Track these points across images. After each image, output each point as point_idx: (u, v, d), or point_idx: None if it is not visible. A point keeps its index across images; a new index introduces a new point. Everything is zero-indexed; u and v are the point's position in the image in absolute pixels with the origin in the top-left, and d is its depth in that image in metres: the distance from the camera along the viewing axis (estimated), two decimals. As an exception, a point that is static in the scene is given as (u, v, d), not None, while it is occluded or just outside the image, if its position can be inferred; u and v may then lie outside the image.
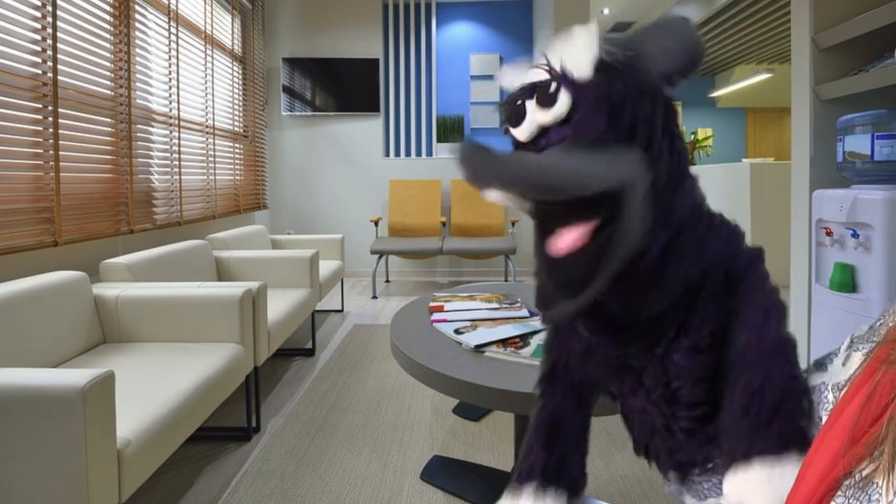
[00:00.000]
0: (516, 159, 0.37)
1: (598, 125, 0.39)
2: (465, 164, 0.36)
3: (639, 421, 0.46)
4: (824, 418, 0.35)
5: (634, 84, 0.39)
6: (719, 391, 0.41)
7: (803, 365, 0.39)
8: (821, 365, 0.39)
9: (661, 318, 0.41)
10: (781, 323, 0.39)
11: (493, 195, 0.38)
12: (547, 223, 0.40)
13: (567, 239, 0.38)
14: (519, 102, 0.42)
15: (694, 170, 0.43)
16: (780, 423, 0.36)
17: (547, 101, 0.40)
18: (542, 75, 0.41)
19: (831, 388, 0.35)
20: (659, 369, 0.42)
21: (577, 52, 0.39)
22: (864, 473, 0.26)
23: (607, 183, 0.36)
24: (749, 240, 0.44)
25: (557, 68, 0.40)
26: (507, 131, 0.44)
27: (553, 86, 0.40)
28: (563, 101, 0.39)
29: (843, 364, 0.35)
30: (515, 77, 0.43)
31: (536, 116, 0.40)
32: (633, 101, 0.39)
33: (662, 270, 0.39)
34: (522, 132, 0.42)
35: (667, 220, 0.39)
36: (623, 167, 0.38)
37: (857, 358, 0.34)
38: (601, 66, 0.39)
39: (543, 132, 0.41)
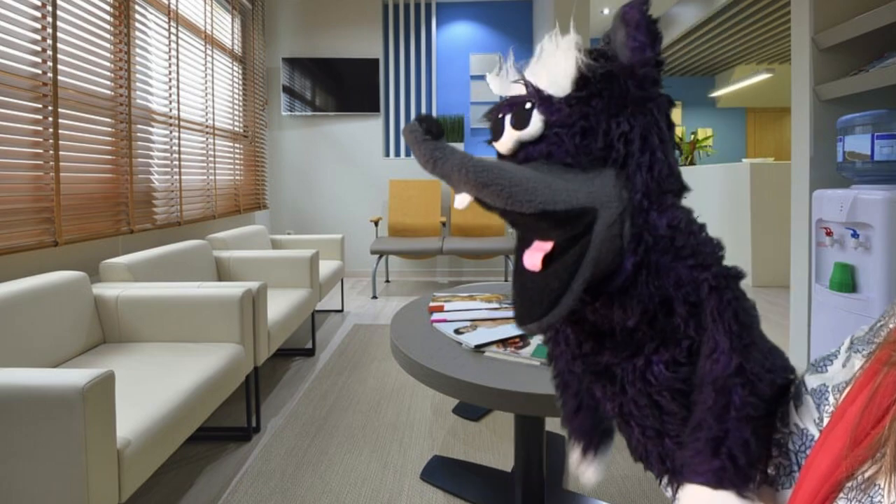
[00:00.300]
0: (493, 164, 0.37)
1: (570, 146, 0.39)
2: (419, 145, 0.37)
3: (626, 428, 0.46)
4: (825, 420, 0.35)
5: (614, 99, 0.39)
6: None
7: (802, 366, 0.39)
8: (820, 367, 0.39)
9: (640, 330, 0.41)
10: (732, 357, 0.37)
11: (462, 200, 0.39)
12: (525, 234, 0.41)
13: (538, 252, 0.38)
14: (500, 116, 0.42)
15: (682, 181, 0.42)
16: (720, 459, 0.36)
17: (520, 121, 0.40)
18: (522, 90, 0.41)
19: (832, 390, 0.35)
20: (640, 381, 0.42)
21: (555, 69, 0.39)
22: (867, 475, 0.26)
23: (575, 202, 0.37)
24: (749, 239, 0.44)
25: (534, 85, 0.40)
26: (490, 143, 0.44)
27: (528, 105, 0.40)
28: (536, 123, 0.40)
29: (844, 366, 0.35)
30: (501, 86, 0.43)
31: (512, 134, 0.41)
32: (608, 120, 0.39)
33: (631, 290, 0.39)
34: (502, 146, 0.42)
35: (640, 239, 0.39)
36: (593, 188, 0.38)
37: (858, 360, 0.34)
38: (580, 83, 0.39)
39: (523, 146, 0.41)
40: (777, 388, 0.38)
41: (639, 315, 0.40)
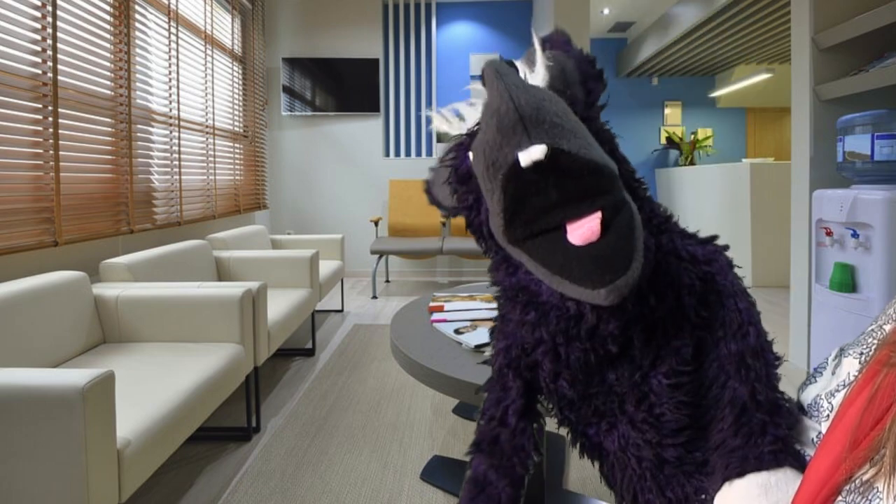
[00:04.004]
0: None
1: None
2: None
3: (620, 466, 0.46)
4: (823, 429, 0.35)
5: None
6: (701, 415, 0.41)
7: (802, 366, 0.39)
8: (811, 380, 0.39)
9: (645, 342, 0.42)
10: (759, 326, 0.40)
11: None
12: (541, 221, 0.38)
13: (590, 224, 0.36)
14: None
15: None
16: (771, 437, 0.36)
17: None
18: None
19: (825, 396, 0.35)
20: (639, 394, 0.42)
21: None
22: (865, 478, 0.26)
23: (606, 160, 0.39)
24: (749, 239, 0.45)
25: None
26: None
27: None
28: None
29: (833, 372, 0.35)
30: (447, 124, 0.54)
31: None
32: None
33: (659, 270, 0.40)
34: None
35: (649, 221, 0.41)
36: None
37: (848, 362, 0.34)
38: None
39: None
40: None
41: (669, 298, 0.41)
